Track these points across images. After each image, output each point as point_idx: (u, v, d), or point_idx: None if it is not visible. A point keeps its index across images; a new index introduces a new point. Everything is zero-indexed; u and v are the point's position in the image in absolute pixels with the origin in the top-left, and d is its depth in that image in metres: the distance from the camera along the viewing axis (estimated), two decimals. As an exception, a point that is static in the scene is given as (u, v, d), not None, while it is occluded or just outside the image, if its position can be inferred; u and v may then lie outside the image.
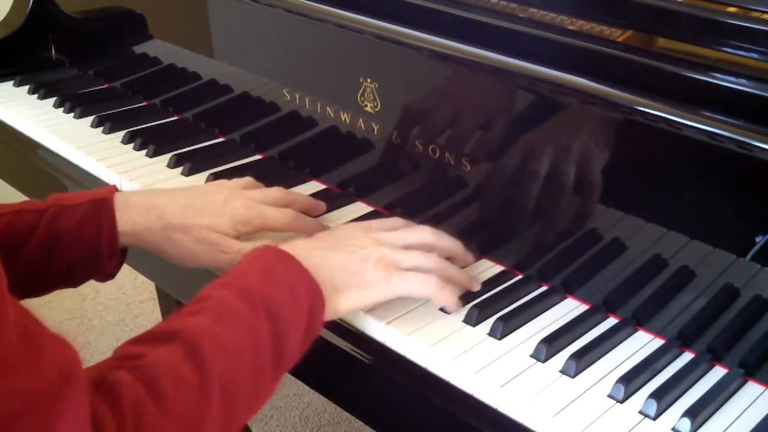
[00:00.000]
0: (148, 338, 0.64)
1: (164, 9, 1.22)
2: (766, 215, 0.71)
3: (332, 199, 0.99)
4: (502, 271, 0.87)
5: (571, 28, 0.82)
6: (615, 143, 0.77)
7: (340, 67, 0.98)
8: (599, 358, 0.76)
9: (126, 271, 0.87)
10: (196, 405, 0.61)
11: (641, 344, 0.78)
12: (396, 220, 0.86)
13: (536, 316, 0.81)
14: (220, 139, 1.16)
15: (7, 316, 0.50)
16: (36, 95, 1.29)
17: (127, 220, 0.82)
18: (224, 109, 1.16)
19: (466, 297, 0.82)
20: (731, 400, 0.72)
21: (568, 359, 0.74)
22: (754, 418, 0.70)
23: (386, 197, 0.98)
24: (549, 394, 0.71)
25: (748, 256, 0.72)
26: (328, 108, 1.00)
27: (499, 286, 0.85)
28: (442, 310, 0.81)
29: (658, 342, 0.78)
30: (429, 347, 0.76)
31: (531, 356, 0.75)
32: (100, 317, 2.09)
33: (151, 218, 0.83)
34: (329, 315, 0.74)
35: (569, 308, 0.83)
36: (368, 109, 0.95)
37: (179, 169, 1.06)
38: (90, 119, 1.20)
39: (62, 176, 1.13)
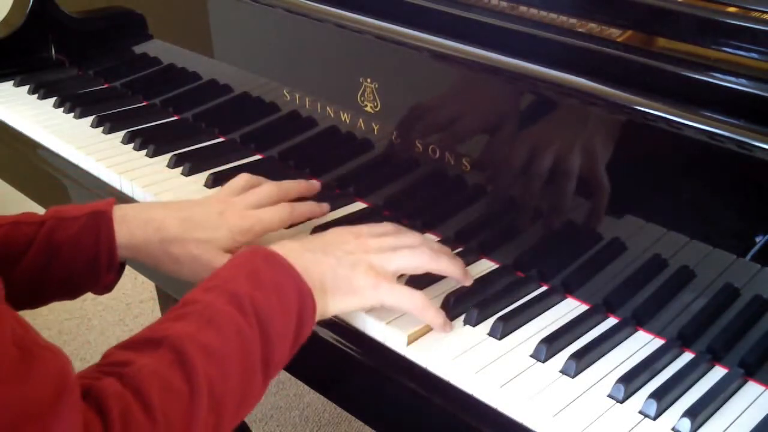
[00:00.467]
0: (136, 344, 0.63)
1: (164, 9, 1.22)
2: (766, 215, 0.71)
3: (332, 199, 0.99)
4: (503, 271, 0.87)
5: (571, 28, 0.82)
6: (615, 143, 0.77)
7: (340, 67, 0.98)
8: (599, 358, 0.76)
9: (126, 271, 0.87)
10: (185, 412, 0.60)
11: (641, 344, 0.78)
12: (387, 226, 0.85)
13: (536, 316, 0.81)
14: (220, 139, 1.16)
15: (4, 327, 0.50)
16: (36, 95, 1.29)
17: (126, 233, 0.82)
18: (224, 109, 1.16)
19: (466, 297, 0.82)
20: (731, 400, 0.72)
21: (568, 359, 0.74)
22: (754, 418, 0.70)
23: (386, 197, 0.98)
24: (549, 394, 0.71)
25: (748, 256, 0.72)
26: (328, 108, 1.00)
27: (499, 286, 0.85)
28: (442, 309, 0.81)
29: (658, 342, 0.78)
30: (429, 347, 0.76)
31: (531, 356, 0.75)
32: (100, 317, 2.09)
33: (149, 231, 0.82)
34: (318, 316, 0.73)
35: (569, 308, 0.83)
36: (368, 109, 0.95)
37: (179, 169, 1.06)
38: (90, 119, 1.20)
39: (62, 176, 1.13)
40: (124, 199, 1.03)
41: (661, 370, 0.74)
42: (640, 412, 0.70)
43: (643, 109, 0.73)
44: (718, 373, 0.74)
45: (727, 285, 0.74)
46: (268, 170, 1.06)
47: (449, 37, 0.86)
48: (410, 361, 0.77)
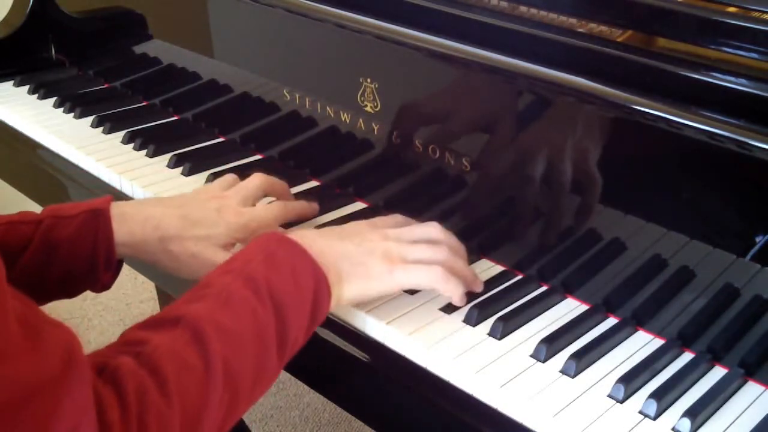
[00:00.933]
0: (153, 323, 0.64)
1: (164, 9, 1.22)
2: (766, 215, 0.71)
3: (332, 199, 0.99)
4: (502, 271, 0.87)
5: (570, 28, 0.82)
6: (615, 143, 0.77)
7: (340, 67, 0.98)
8: (599, 358, 0.76)
9: (126, 271, 0.87)
10: (200, 390, 0.61)
11: (641, 344, 0.78)
12: (399, 217, 0.86)
13: (536, 316, 0.81)
14: (220, 139, 1.16)
15: (6, 304, 0.50)
16: (36, 95, 1.29)
17: (125, 231, 0.82)
18: (224, 109, 1.16)
19: (466, 297, 0.82)
20: (731, 400, 0.72)
21: (568, 359, 0.74)
22: (754, 418, 0.70)
23: (386, 197, 0.98)
24: (549, 394, 0.71)
25: (748, 256, 0.72)
26: (328, 108, 1.00)
27: (499, 286, 0.85)
28: (442, 310, 0.81)
29: (658, 342, 0.78)
30: (429, 347, 0.76)
31: (531, 356, 0.75)
32: (100, 317, 2.09)
33: (148, 229, 0.82)
34: (333, 302, 0.74)
35: (569, 308, 0.83)
36: (368, 109, 0.95)
37: (179, 169, 1.06)
38: (90, 119, 1.20)
39: (62, 176, 1.13)
40: (124, 199, 1.03)
41: (661, 370, 0.74)
42: (640, 412, 0.70)
43: (643, 109, 0.73)
44: (718, 373, 0.74)
45: (727, 285, 0.74)
46: (268, 170, 1.06)
47: (449, 37, 0.86)
48: (410, 361, 0.77)
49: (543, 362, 0.75)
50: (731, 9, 0.75)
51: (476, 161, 0.88)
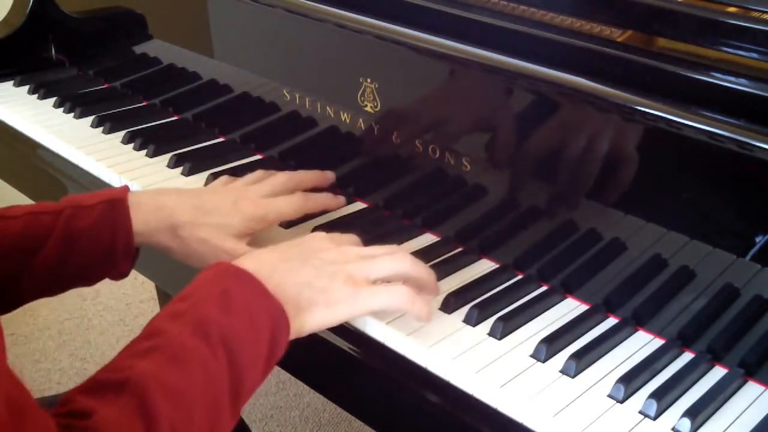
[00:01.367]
0: (98, 387, 0.60)
1: (164, 9, 1.22)
2: (766, 215, 0.71)
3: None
4: (502, 271, 0.87)
5: (571, 28, 0.82)
6: (615, 143, 0.77)
7: (340, 67, 0.98)
8: (599, 358, 0.76)
9: (126, 271, 0.88)
10: None
11: (641, 344, 0.78)
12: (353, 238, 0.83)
13: (536, 316, 0.81)
14: (220, 139, 1.16)
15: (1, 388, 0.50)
16: (36, 95, 1.29)
17: (140, 219, 0.83)
18: (224, 109, 1.16)
19: (466, 297, 0.82)
20: (731, 400, 0.72)
21: (568, 359, 0.74)
22: (754, 418, 0.70)
23: (386, 197, 0.98)
24: (549, 394, 0.71)
25: (748, 256, 0.72)
26: (328, 108, 1.00)
27: (499, 286, 0.85)
28: (442, 309, 0.81)
29: (658, 342, 0.78)
30: (429, 347, 0.76)
31: (531, 356, 0.75)
32: (100, 317, 2.09)
33: (161, 218, 0.83)
34: (293, 334, 0.71)
35: (569, 308, 0.82)
36: (368, 109, 0.95)
37: (179, 169, 1.06)
38: (90, 119, 1.20)
39: (62, 176, 1.13)
40: (124, 199, 1.03)
41: (661, 370, 0.74)
42: (640, 412, 0.70)
43: (643, 109, 0.73)
44: (718, 373, 0.74)
45: (727, 285, 0.74)
46: (268, 170, 1.06)
47: (449, 37, 0.86)
48: (410, 361, 0.77)
49: (543, 362, 0.75)
50: (731, 9, 0.75)
51: (476, 161, 0.88)
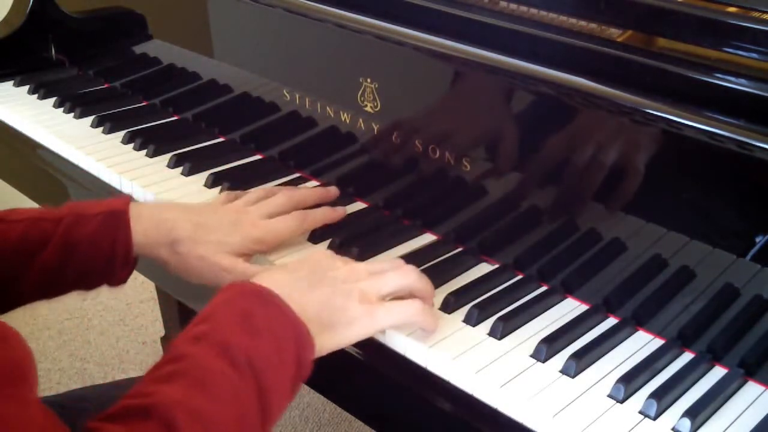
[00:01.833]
0: (125, 414, 0.59)
1: (164, 9, 1.22)
2: (766, 215, 0.71)
3: (332, 199, 0.99)
4: (503, 271, 0.87)
5: (571, 28, 0.82)
6: (614, 143, 0.77)
7: (340, 67, 0.98)
8: (599, 358, 0.76)
9: (126, 271, 0.87)
10: None
11: (641, 344, 0.78)
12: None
13: (536, 316, 0.81)
14: (220, 139, 1.16)
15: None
16: (36, 95, 1.29)
17: (140, 231, 0.83)
18: (224, 109, 1.16)
19: (466, 297, 0.82)
20: (731, 400, 0.72)
21: (568, 359, 0.74)
22: (754, 418, 0.70)
23: (386, 197, 0.98)
24: (549, 394, 0.71)
25: (748, 256, 0.72)
26: (328, 108, 1.00)
27: (499, 286, 0.85)
28: (442, 309, 0.81)
29: (658, 342, 0.78)
30: (429, 347, 0.76)
31: (531, 356, 0.75)
32: (100, 317, 2.09)
33: (162, 232, 0.83)
34: (315, 354, 0.70)
35: (569, 308, 0.83)
36: (368, 109, 0.95)
37: (179, 169, 1.06)
38: (90, 119, 1.20)
39: (62, 176, 1.13)
40: (124, 199, 1.03)
41: (661, 370, 0.74)
42: (640, 412, 0.70)
43: (643, 109, 0.73)
44: (718, 373, 0.74)
45: (727, 285, 0.74)
46: (268, 170, 1.06)
47: (449, 37, 0.86)
48: (410, 361, 0.77)
49: (543, 362, 0.75)
50: (731, 9, 0.75)
51: (476, 161, 0.88)
